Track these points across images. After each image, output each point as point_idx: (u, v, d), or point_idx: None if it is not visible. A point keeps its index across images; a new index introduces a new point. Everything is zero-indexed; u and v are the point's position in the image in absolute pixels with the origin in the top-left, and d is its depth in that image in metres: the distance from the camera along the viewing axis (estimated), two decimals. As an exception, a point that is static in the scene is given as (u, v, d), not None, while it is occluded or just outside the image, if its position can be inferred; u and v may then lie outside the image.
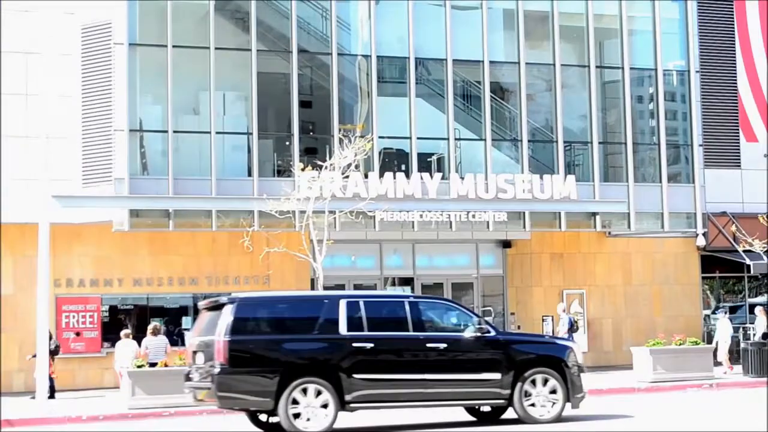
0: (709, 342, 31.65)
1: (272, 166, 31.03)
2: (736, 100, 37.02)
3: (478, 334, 19.52)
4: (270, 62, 31.18)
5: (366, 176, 29.79)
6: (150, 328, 26.83)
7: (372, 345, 18.82)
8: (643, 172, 34.27)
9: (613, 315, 33.06)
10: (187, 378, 19.74)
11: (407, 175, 30.82)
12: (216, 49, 30.17)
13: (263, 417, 19.48)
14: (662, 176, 34.12)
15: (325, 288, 27.48)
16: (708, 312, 36.26)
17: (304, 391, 18.12)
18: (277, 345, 18.75)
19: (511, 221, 32.15)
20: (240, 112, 31.20)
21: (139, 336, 26.96)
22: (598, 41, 34.13)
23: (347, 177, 28.01)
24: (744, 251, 33.84)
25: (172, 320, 30.88)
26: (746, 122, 37.22)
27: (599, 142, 33.74)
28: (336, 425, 18.19)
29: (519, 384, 19.25)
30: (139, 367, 24.82)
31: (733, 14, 37.26)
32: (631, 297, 34.23)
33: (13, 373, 28.85)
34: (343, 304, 19.18)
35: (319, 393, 18.15)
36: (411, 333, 19.41)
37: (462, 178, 31.30)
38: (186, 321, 30.39)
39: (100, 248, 30.24)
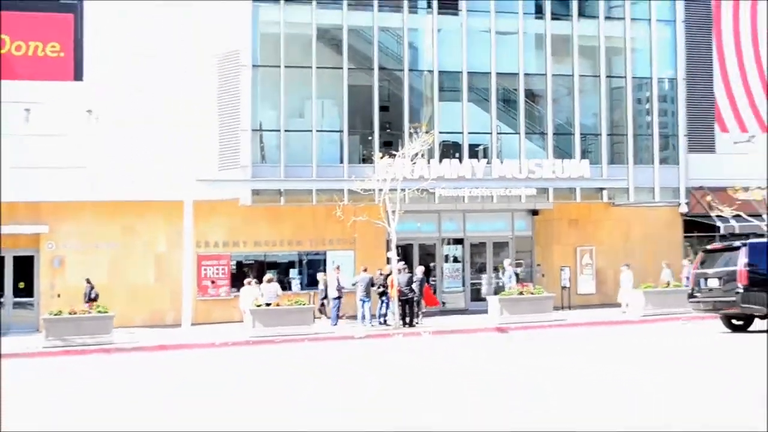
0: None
1: (358, 156, 30.60)
2: (712, 100, 35.89)
3: None
4: (357, 77, 30.80)
5: (429, 162, 29.28)
6: (266, 278, 26.81)
7: None
8: (640, 157, 33.50)
9: (615, 266, 31.97)
10: (691, 296, 22.72)
11: (460, 161, 30.50)
12: (317, 68, 30.07)
13: (738, 322, 21.94)
14: (655, 159, 33.54)
15: (398, 247, 27.51)
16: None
17: None
18: None
19: (538, 195, 31.70)
20: (334, 115, 30.86)
21: (258, 283, 26.94)
22: (607, 57, 33.28)
23: (415, 163, 27.85)
24: (716, 216, 33.39)
25: (283, 272, 30.68)
26: (720, 117, 36.05)
27: (607, 134, 33.18)
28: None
29: None
30: (258, 306, 24.91)
31: (711, 34, 35.88)
32: (629, 252, 33.44)
33: (165, 311, 29.05)
34: None
35: None
36: None
37: (502, 163, 31.00)
38: (293, 272, 30.30)
39: (230, 218, 30.16)
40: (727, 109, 35.97)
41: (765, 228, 30.36)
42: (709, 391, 12.23)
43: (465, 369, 16.28)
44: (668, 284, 29.53)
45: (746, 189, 31.17)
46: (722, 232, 33.52)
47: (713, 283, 21.81)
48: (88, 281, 26.53)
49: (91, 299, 25.78)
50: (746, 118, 36.15)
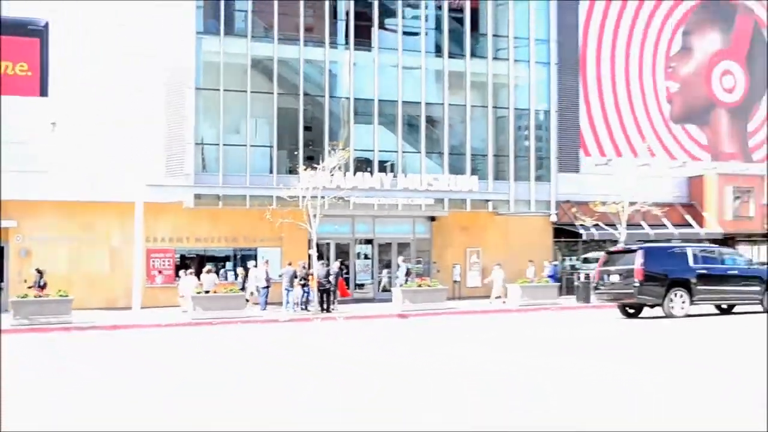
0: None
1: (285, 168, 30.49)
2: (578, 129, 36.98)
3: (749, 266, 23.95)
4: (286, 101, 30.78)
5: (345, 175, 29.47)
6: (205, 269, 26.90)
7: (706, 271, 22.55)
8: (519, 174, 34.07)
9: (498, 263, 31.56)
10: (596, 288, 24.32)
11: (371, 174, 30.64)
12: (251, 92, 30.04)
13: (631, 310, 23.37)
14: (531, 177, 34.17)
15: (319, 246, 27.79)
16: (557, 263, 36.02)
17: (674, 295, 22.06)
18: (664, 271, 22.28)
19: (435, 205, 32.10)
20: (266, 133, 30.73)
21: (198, 273, 27.02)
22: (494, 91, 33.91)
23: (333, 175, 27.81)
24: (579, 225, 34.06)
25: (219, 264, 30.41)
26: (584, 144, 37.26)
27: (493, 155, 33.68)
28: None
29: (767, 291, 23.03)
30: (198, 293, 24.91)
31: (578, 75, 37.13)
32: (510, 253, 33.92)
33: (118, 296, 28.75)
34: (689, 250, 23.00)
35: (681, 295, 22.11)
36: (723, 265, 23.18)
37: (405, 177, 31.20)
38: (228, 265, 29.94)
39: (175, 218, 29.93)
40: (590, 137, 37.20)
41: (619, 236, 31.06)
42: (630, 352, 13.98)
43: (370, 346, 16.82)
44: (540, 279, 30.25)
45: (604, 203, 31.27)
46: (584, 238, 34.67)
47: (614, 278, 22.90)
48: (38, 271, 25.98)
49: (40, 287, 25.33)
50: (605, 145, 37.52)
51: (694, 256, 22.81)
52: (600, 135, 37.63)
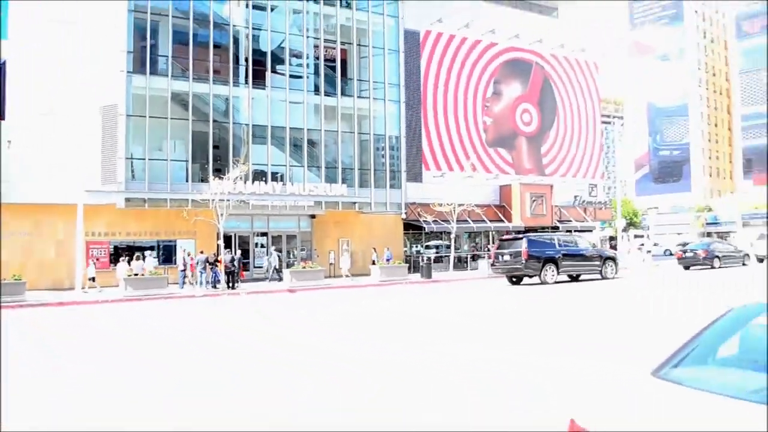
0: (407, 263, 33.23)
1: (198, 177, 30.42)
2: (420, 150, 38.30)
3: (592, 247, 26.07)
4: (198, 126, 30.68)
5: (245, 183, 29.77)
6: (135, 256, 26.83)
7: (567, 252, 24.77)
8: (378, 183, 35.07)
9: (362, 250, 33.79)
10: (493, 265, 25.67)
11: (266, 183, 30.96)
12: (171, 119, 29.76)
13: (514, 279, 25.00)
14: (387, 185, 35.20)
15: (225, 237, 27.89)
16: (405, 249, 37.77)
17: (548, 268, 24.11)
18: (540, 252, 24.21)
19: (315, 206, 32.50)
20: (183, 150, 30.55)
21: (128, 260, 26.73)
22: (358, 120, 34.72)
23: (236, 183, 28.13)
24: (423, 221, 35.51)
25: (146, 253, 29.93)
26: (425, 161, 38.61)
27: (358, 169, 34.45)
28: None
29: (603, 265, 25.64)
30: (129, 276, 24.77)
31: (420, 110, 38.61)
32: (371, 242, 34.89)
33: (63, 279, 28.23)
34: (556, 238, 25.21)
35: (552, 269, 24.15)
36: (577, 248, 25.36)
37: (292, 185, 31.65)
38: (152, 254, 29.51)
39: (110, 216, 29.45)
40: (429, 155, 38.75)
41: (452, 229, 32.49)
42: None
43: (267, 311, 17.65)
44: (381, 261, 31.04)
45: (440, 204, 32.44)
46: (426, 230, 36.05)
47: (507, 258, 24.69)
48: None
49: None
50: (440, 162, 39.11)
51: (559, 242, 25.30)
52: (436, 154, 39.23)
